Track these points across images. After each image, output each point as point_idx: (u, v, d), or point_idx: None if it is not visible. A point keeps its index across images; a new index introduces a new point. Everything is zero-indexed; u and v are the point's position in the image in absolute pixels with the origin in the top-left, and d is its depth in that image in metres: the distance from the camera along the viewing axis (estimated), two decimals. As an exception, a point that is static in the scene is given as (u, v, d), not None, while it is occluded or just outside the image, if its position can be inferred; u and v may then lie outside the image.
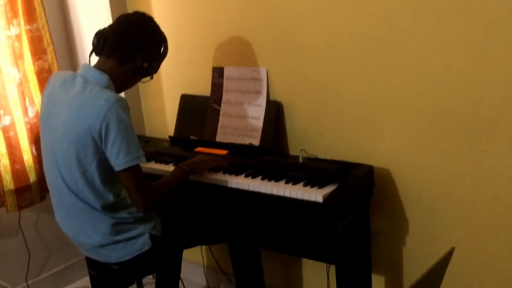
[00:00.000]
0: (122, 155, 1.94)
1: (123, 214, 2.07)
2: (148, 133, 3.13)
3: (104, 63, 2.09)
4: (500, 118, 1.99)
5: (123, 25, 2.11)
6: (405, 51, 2.13)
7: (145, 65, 2.10)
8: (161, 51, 2.20)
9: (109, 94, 1.98)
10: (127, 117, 1.96)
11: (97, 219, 2.06)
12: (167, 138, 2.82)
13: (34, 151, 2.78)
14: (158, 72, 2.82)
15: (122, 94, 2.86)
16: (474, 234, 2.16)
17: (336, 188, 2.11)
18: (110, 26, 2.13)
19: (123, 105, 1.97)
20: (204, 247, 3.01)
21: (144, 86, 3.03)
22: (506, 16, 1.89)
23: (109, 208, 2.06)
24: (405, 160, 2.24)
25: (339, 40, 2.28)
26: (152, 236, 2.12)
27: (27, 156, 2.79)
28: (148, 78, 2.21)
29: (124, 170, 1.97)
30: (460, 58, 2.02)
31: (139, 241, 2.10)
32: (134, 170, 1.98)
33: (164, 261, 2.23)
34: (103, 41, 2.09)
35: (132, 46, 2.08)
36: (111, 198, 2.05)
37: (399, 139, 2.24)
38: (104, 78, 2.04)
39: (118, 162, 1.95)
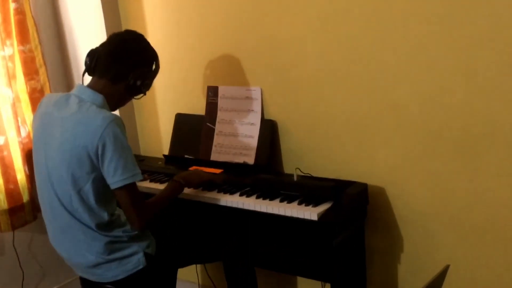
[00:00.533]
0: (119, 173, 1.95)
1: (117, 233, 2.07)
2: (143, 152, 3.13)
3: (97, 83, 2.10)
4: (493, 136, 2.01)
5: (115, 44, 2.12)
6: (398, 70, 2.15)
7: (138, 83, 2.11)
8: (153, 68, 2.21)
9: (106, 113, 1.99)
10: (123, 136, 1.98)
11: (91, 238, 2.06)
12: (162, 157, 2.82)
13: (27, 170, 2.78)
14: (152, 91, 2.84)
15: (117, 112, 2.88)
16: (468, 252, 2.17)
17: (331, 206, 2.12)
18: (102, 45, 2.14)
19: (120, 123, 1.99)
20: (199, 265, 3.00)
21: (139, 105, 3.05)
22: (498, 37, 1.92)
23: (103, 227, 2.05)
24: (399, 178, 2.25)
25: (333, 59, 2.30)
26: (146, 255, 2.11)
27: (21, 175, 2.79)
28: (141, 94, 2.22)
29: (121, 188, 1.97)
30: (453, 77, 2.04)
31: (133, 259, 2.09)
32: (130, 188, 1.99)
33: (158, 280, 2.21)
34: (96, 60, 2.10)
35: (124, 65, 2.09)
36: (105, 217, 2.05)
37: (393, 157, 2.25)
38: (99, 97, 2.06)
39: (115, 180, 1.96)
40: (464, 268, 2.18)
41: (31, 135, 2.61)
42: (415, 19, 2.07)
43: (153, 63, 2.20)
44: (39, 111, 2.16)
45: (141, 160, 2.87)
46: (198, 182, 2.36)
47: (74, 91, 2.11)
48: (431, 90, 2.10)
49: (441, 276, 1.55)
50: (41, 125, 2.11)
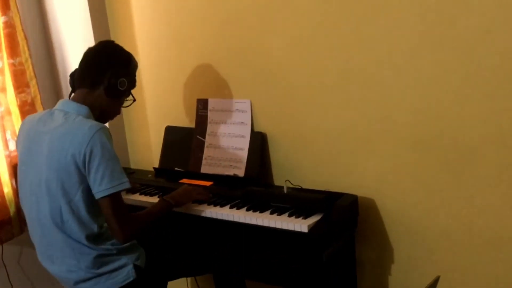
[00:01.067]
0: (105, 182, 1.94)
1: (106, 246, 2.05)
2: (133, 165, 3.13)
3: (78, 94, 2.12)
4: (484, 148, 2.02)
5: (87, 55, 2.16)
6: (387, 82, 2.17)
7: (113, 81, 2.10)
8: (128, 67, 2.19)
9: (93, 123, 2.00)
10: (110, 145, 1.98)
11: (80, 253, 2.04)
12: (152, 170, 2.82)
13: (14, 183, 2.76)
14: (142, 104, 2.84)
15: (106, 125, 2.88)
16: (459, 263, 2.18)
17: (321, 218, 2.12)
18: (79, 63, 2.17)
19: (106, 133, 1.99)
20: (189, 278, 2.99)
21: (129, 118, 3.05)
22: (489, 51, 1.94)
23: (93, 239, 2.03)
24: (389, 189, 2.26)
25: (323, 71, 2.32)
26: (136, 267, 2.10)
27: (7, 189, 2.77)
28: (129, 102, 2.24)
29: (105, 198, 1.95)
30: (443, 89, 2.05)
31: (123, 272, 2.08)
32: (115, 198, 1.97)
33: (148, 294, 2.20)
34: (74, 76, 2.16)
35: (98, 69, 2.11)
36: (95, 229, 2.03)
37: (383, 169, 2.26)
38: (84, 109, 2.07)
39: (101, 188, 1.94)
40: (455, 280, 2.18)
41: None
42: (405, 31, 2.09)
43: (127, 63, 2.19)
44: (23, 132, 2.17)
45: (131, 173, 2.86)
46: (188, 203, 2.34)
47: (57, 106, 2.13)
48: (421, 102, 2.11)
49: (432, 287, 1.55)
50: (27, 144, 2.11)
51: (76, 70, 2.17)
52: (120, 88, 2.12)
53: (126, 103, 2.25)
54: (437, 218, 2.18)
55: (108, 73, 2.09)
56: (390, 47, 2.13)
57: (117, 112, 2.25)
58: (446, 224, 2.16)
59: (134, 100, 2.27)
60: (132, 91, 2.23)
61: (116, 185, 1.96)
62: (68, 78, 2.24)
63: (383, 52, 2.15)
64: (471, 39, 1.96)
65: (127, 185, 1.99)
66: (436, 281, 1.57)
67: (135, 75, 2.22)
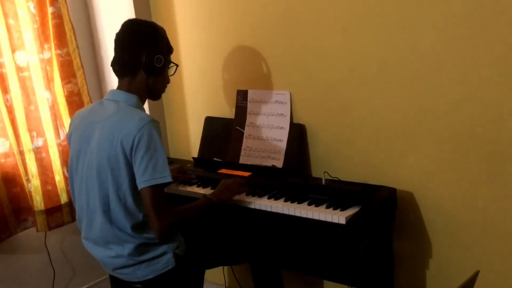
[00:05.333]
0: (148, 173, 1.97)
1: (149, 234, 2.09)
2: (172, 155, 3.18)
3: (124, 83, 2.15)
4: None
5: (117, 42, 2.15)
6: (428, 74, 2.15)
7: (149, 61, 2.10)
8: (158, 40, 2.15)
9: (143, 115, 2.04)
10: (158, 138, 2.01)
11: (124, 241, 2.09)
12: (191, 159, 2.86)
13: (65, 172, 2.83)
14: (182, 94, 2.86)
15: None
16: (498, 258, 2.15)
17: (359, 210, 2.12)
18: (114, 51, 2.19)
19: (156, 126, 2.02)
20: (226, 267, 3.02)
21: (169, 108, 3.09)
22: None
23: (138, 228, 2.07)
24: (429, 183, 2.24)
25: (362, 64, 2.31)
26: (176, 255, 2.14)
27: (59, 177, 2.84)
28: (173, 69, 2.25)
29: (146, 188, 1.98)
30: (484, 81, 2.02)
31: (163, 260, 2.12)
32: (156, 190, 1.99)
33: (186, 281, 2.24)
34: (115, 65, 2.17)
35: (130, 55, 2.12)
36: (140, 217, 2.07)
37: (423, 162, 2.24)
38: (133, 98, 2.12)
39: (143, 179, 1.98)
40: (494, 275, 2.15)
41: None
42: (444, 23, 2.06)
43: (155, 36, 2.15)
44: (74, 124, 2.21)
45: (170, 162, 2.89)
46: (229, 197, 2.32)
47: (107, 96, 2.17)
48: (462, 95, 2.08)
49: (471, 282, 1.54)
50: (80, 133, 2.15)
51: (114, 57, 2.17)
52: (158, 65, 2.13)
53: (170, 71, 2.26)
54: (476, 213, 2.15)
55: (141, 55, 2.09)
56: (432, 39, 2.10)
57: (166, 85, 2.26)
58: (485, 218, 2.13)
59: (177, 65, 2.26)
60: (174, 72, 2.26)
61: (157, 178, 1.98)
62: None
63: (425, 44, 2.12)
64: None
65: (168, 179, 2.01)
66: (475, 276, 1.55)
67: (167, 42, 2.20)
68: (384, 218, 2.25)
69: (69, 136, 2.24)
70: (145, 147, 1.97)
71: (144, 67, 2.11)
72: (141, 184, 1.99)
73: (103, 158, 2.03)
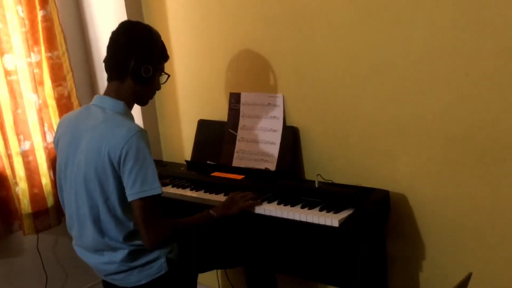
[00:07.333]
0: (137, 185, 1.93)
1: (140, 241, 2.06)
2: (165, 158, 3.17)
3: (111, 88, 2.10)
4: (517, 143, 1.99)
5: (110, 42, 2.09)
6: (420, 77, 2.15)
7: (136, 70, 2.04)
8: (150, 49, 2.08)
9: (131, 125, 1.99)
10: (147, 149, 1.96)
11: (115, 248, 2.07)
12: (184, 162, 2.85)
13: (52, 175, 2.83)
14: (175, 97, 2.85)
15: (141, 119, 2.92)
16: (491, 260, 2.15)
17: (352, 213, 2.12)
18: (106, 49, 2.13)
19: (144, 136, 1.98)
20: (219, 271, 3.01)
21: (162, 111, 3.09)
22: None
23: (129, 236, 2.06)
24: (421, 185, 2.24)
25: (356, 67, 2.31)
26: (168, 260, 2.13)
27: (46, 180, 2.83)
28: (165, 77, 2.18)
29: (136, 201, 1.95)
30: (476, 83, 2.03)
31: (156, 265, 2.11)
32: (146, 202, 1.95)
33: (180, 285, 2.23)
34: (106, 64, 2.11)
35: (120, 59, 2.06)
36: (131, 226, 2.05)
37: (415, 164, 2.24)
38: (120, 105, 2.07)
39: (132, 192, 1.94)
40: (487, 277, 2.16)
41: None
42: (436, 26, 2.06)
43: (148, 44, 2.08)
44: (62, 129, 2.17)
45: (163, 165, 2.90)
46: (234, 213, 2.24)
47: (93, 102, 2.12)
48: (454, 97, 2.08)
49: (464, 284, 1.54)
50: (67, 140, 2.11)
51: (106, 57, 2.12)
52: (145, 75, 2.06)
53: (162, 79, 2.19)
54: (469, 215, 2.15)
55: (130, 61, 2.03)
56: (424, 41, 2.11)
57: (152, 94, 2.20)
58: (478, 221, 2.14)
59: (168, 75, 2.20)
60: (165, 80, 2.20)
61: (147, 190, 1.94)
62: (103, 71, 2.23)
63: (417, 48, 2.13)
64: (506, 30, 1.92)
65: (157, 191, 1.96)
66: (468, 278, 1.56)
67: (161, 50, 2.13)
68: (378, 220, 2.25)
69: (55, 141, 2.20)
70: (133, 159, 1.93)
71: (131, 74, 2.06)
72: (130, 196, 1.95)
73: (91, 169, 1.99)
